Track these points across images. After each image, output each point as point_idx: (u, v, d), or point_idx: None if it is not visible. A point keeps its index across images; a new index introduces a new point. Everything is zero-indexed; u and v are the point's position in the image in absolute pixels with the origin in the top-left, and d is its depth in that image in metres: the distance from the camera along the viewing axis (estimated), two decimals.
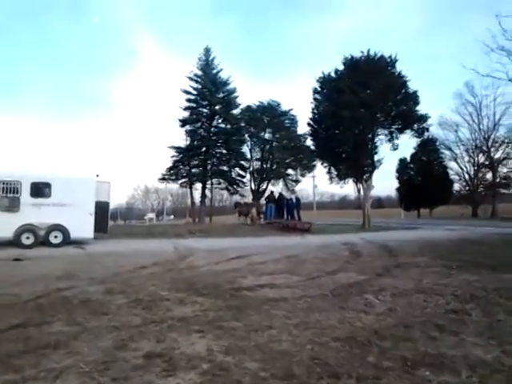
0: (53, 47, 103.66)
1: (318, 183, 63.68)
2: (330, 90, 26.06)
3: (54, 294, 6.40)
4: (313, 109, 27.17)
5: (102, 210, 15.73)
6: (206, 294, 6.39)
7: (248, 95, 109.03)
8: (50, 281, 7.65)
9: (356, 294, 6.46)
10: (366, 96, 23.95)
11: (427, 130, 27.30)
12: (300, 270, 9.14)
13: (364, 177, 25.76)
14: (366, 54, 25.43)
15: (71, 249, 13.87)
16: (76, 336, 4.28)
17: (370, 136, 25.71)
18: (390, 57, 25.54)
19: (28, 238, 14.11)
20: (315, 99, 27.10)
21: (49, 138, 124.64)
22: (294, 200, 26.13)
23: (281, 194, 28.41)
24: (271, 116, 38.34)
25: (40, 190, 14.63)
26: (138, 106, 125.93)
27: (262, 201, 30.85)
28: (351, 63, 25.52)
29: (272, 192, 29.27)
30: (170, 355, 3.72)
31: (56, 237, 14.50)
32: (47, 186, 14.65)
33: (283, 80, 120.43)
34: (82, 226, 14.78)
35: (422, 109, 25.79)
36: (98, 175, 15.72)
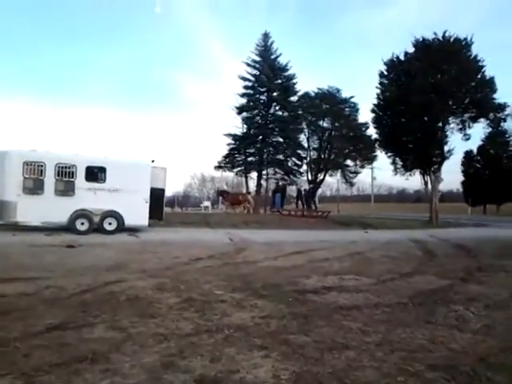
0: (115, 39, 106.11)
1: (376, 175, 61.20)
2: (398, 74, 24.46)
3: (100, 289, 5.89)
4: (378, 94, 25.59)
5: (157, 196, 15.39)
6: (265, 296, 5.67)
7: (307, 82, 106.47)
8: (99, 272, 7.22)
9: (442, 303, 5.51)
10: (437, 81, 22.22)
11: (504, 120, 25.13)
12: (368, 270, 8.23)
13: (432, 168, 24.04)
14: (439, 35, 23.47)
15: (125, 236, 13.64)
16: (118, 346, 3.63)
17: (439, 125, 23.89)
18: (465, 39, 23.38)
19: (83, 223, 13.92)
20: (381, 83, 25.46)
21: (108, 126, 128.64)
22: (309, 191, 30.82)
23: (283, 185, 32.21)
24: (330, 103, 36.71)
25: (95, 174, 14.38)
26: (195, 92, 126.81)
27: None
28: (423, 45, 23.61)
29: (278, 183, 33.40)
30: (228, 382, 2.95)
31: (110, 223, 14.26)
32: (102, 170, 14.38)
33: (344, 67, 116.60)
34: (137, 213, 14.48)
35: (499, 97, 23.63)
36: (153, 161, 15.31)
